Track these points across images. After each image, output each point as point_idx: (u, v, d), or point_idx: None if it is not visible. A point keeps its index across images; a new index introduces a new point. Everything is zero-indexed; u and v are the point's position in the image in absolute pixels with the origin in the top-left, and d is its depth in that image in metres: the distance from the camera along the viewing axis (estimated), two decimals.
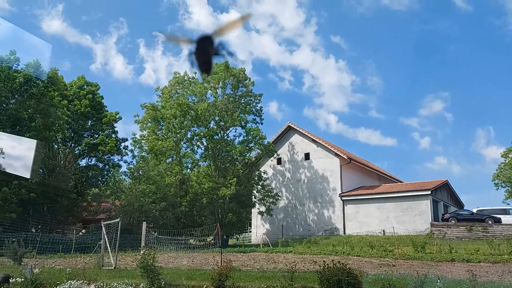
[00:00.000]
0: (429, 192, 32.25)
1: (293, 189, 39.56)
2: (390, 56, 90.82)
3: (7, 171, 25.57)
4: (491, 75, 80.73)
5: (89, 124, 34.50)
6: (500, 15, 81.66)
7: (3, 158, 24.91)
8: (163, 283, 12.11)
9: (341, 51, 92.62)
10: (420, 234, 29.98)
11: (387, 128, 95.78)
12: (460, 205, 40.01)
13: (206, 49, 2.04)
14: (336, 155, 37.28)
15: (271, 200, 35.79)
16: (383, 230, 31.97)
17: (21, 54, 27.21)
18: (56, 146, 32.59)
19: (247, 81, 36.26)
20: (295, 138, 40.12)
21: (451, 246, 22.45)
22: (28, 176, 25.70)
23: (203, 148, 36.05)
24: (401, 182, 42.63)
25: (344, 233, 34.45)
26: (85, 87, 34.65)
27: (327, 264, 11.97)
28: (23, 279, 11.62)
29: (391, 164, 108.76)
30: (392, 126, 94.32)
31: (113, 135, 34.85)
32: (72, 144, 33.96)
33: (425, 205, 32.17)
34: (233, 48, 2.09)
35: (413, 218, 32.23)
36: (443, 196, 36.13)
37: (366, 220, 34.08)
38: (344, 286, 11.26)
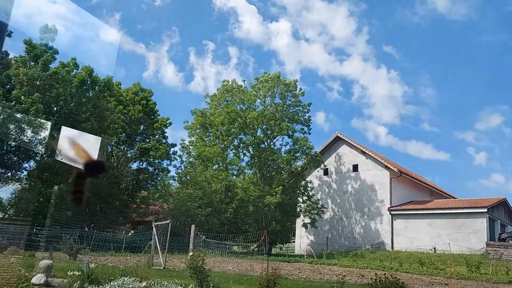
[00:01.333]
0: (485, 210, 30.63)
1: (339, 200, 38.87)
2: (446, 67, 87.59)
3: (65, 171, 27.02)
4: None
5: (141, 129, 35.64)
6: None
7: (61, 159, 26.39)
8: (211, 285, 12.22)
9: (393, 61, 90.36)
10: (474, 253, 28.49)
11: (440, 142, 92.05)
12: None
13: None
14: (386, 167, 36.30)
15: (316, 212, 35.31)
16: (434, 248, 30.65)
17: (86, 55, 28.69)
18: (110, 149, 33.89)
19: (297, 91, 36.22)
20: (343, 149, 39.49)
21: (508, 268, 21.24)
22: (89, 177, 26.86)
23: (249, 156, 36.25)
24: (454, 198, 40.84)
25: (392, 248, 33.35)
26: (140, 93, 35.92)
27: (379, 277, 11.63)
28: (80, 273, 12.10)
29: (443, 179, 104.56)
30: (446, 140, 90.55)
31: (163, 140, 35.79)
32: (125, 148, 35.21)
33: (481, 223, 30.56)
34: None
35: (467, 236, 30.70)
36: (500, 214, 34.21)
37: (415, 236, 32.82)
38: None
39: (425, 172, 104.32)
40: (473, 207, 31.55)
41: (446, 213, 32.45)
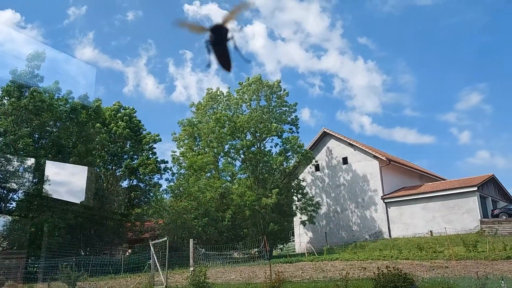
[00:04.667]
0: (475, 188, 31.03)
1: (333, 194, 39.06)
2: (421, 52, 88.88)
3: (55, 198, 26.68)
4: None
5: (128, 146, 35.32)
6: None
7: (49, 185, 25.99)
8: None
9: (369, 52, 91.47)
10: (469, 232, 28.87)
11: (424, 126, 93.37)
12: (509, 199, 38.24)
13: (225, 48, 2.04)
14: (375, 157, 36.59)
15: (312, 208, 35.40)
16: (431, 231, 30.99)
17: (65, 79, 28.59)
18: (97, 170, 33.56)
19: (281, 92, 36.29)
20: (332, 143, 39.71)
21: (504, 243, 21.51)
22: (79, 201, 26.72)
23: (240, 161, 36.19)
24: (444, 179, 41.30)
25: (390, 236, 33.61)
26: (121, 110, 35.64)
27: (381, 271, 11.70)
28: None
29: (431, 162, 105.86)
30: (429, 123, 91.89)
31: (153, 156, 35.51)
32: (113, 167, 34.85)
33: (473, 202, 30.96)
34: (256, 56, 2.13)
35: (461, 216, 31.08)
36: (491, 191, 34.68)
37: (411, 221, 33.13)
38: None
39: (413, 157, 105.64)
40: (463, 186, 31.90)
41: (438, 195, 32.73)
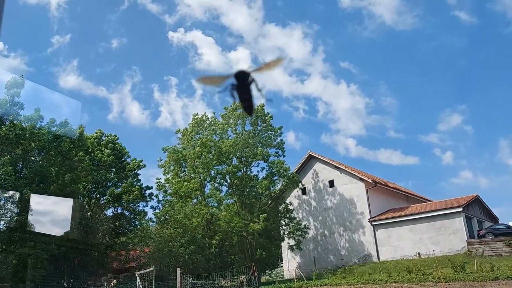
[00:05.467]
0: (461, 209, 31.27)
1: (320, 217, 38.97)
2: (402, 75, 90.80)
3: (38, 229, 26.01)
4: (506, 83, 79.65)
5: (112, 173, 34.82)
6: (507, 23, 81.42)
7: (32, 215, 25.39)
8: None
9: (352, 76, 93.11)
10: (457, 253, 29.03)
11: (407, 147, 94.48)
12: (494, 219, 38.68)
13: (248, 92, 2.15)
14: (361, 179, 36.77)
15: (299, 233, 35.16)
16: (418, 253, 31.02)
17: (49, 112, 28.26)
18: (81, 198, 32.94)
19: (267, 116, 36.50)
20: (318, 166, 39.85)
21: (492, 264, 21.69)
22: (63, 231, 26.06)
23: (227, 186, 35.94)
24: (430, 201, 41.59)
25: (378, 259, 33.50)
26: (103, 138, 35.33)
27: None
28: None
29: (416, 183, 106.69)
30: (412, 144, 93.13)
31: (137, 183, 35.00)
32: (97, 195, 34.23)
33: (459, 223, 31.17)
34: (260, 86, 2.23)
35: (447, 238, 31.22)
36: (476, 211, 35.00)
37: (399, 243, 33.14)
38: None
39: (398, 179, 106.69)
40: (449, 207, 32.12)
41: (424, 217, 32.85)
